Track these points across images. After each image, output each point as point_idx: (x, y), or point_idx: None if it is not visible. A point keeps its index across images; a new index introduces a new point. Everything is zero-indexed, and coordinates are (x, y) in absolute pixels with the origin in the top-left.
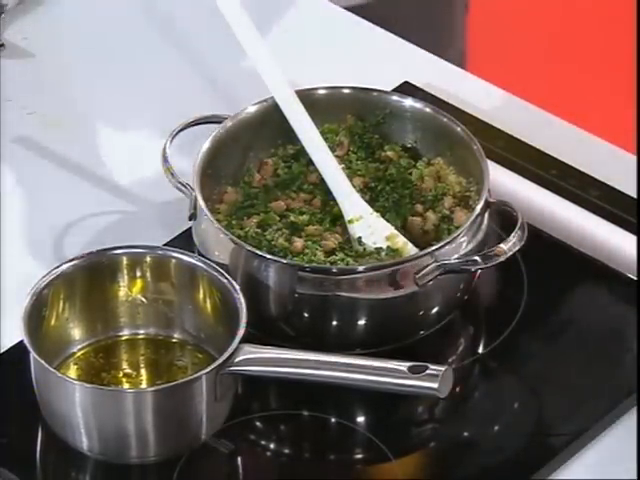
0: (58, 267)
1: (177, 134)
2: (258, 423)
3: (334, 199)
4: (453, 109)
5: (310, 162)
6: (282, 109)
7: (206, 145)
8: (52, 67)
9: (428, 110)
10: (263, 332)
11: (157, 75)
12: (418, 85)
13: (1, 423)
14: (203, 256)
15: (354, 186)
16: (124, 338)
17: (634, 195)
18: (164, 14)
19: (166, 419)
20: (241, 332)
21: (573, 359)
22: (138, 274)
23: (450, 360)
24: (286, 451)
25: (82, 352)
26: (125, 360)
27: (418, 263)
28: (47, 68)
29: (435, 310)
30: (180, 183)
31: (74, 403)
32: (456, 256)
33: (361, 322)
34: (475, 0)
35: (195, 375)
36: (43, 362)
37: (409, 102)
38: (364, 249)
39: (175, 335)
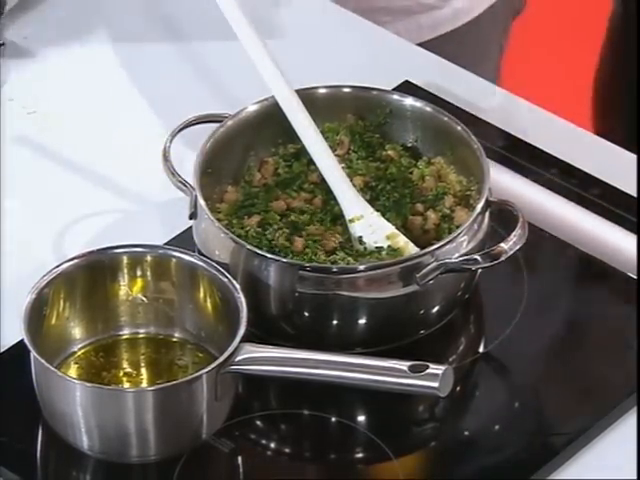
0: (58, 266)
1: (177, 133)
2: (258, 422)
3: (335, 198)
4: (454, 108)
5: (311, 161)
6: (282, 108)
7: (206, 144)
8: (52, 67)
9: (429, 109)
10: (263, 331)
11: (157, 75)
12: (418, 84)
13: (1, 422)
14: (203, 255)
15: (355, 185)
16: (124, 337)
17: (634, 194)
18: (164, 14)
19: (166, 418)
20: (241, 331)
21: (573, 359)
22: (138, 273)
23: (450, 359)
24: (286, 450)
25: (83, 351)
26: (125, 359)
27: (419, 262)
28: (47, 68)
29: (436, 309)
30: (180, 182)
31: (75, 402)
32: (457, 255)
33: (362, 321)
34: None
35: (195, 374)
36: (43, 361)
37: (410, 101)
38: (365, 248)
39: (175, 334)
